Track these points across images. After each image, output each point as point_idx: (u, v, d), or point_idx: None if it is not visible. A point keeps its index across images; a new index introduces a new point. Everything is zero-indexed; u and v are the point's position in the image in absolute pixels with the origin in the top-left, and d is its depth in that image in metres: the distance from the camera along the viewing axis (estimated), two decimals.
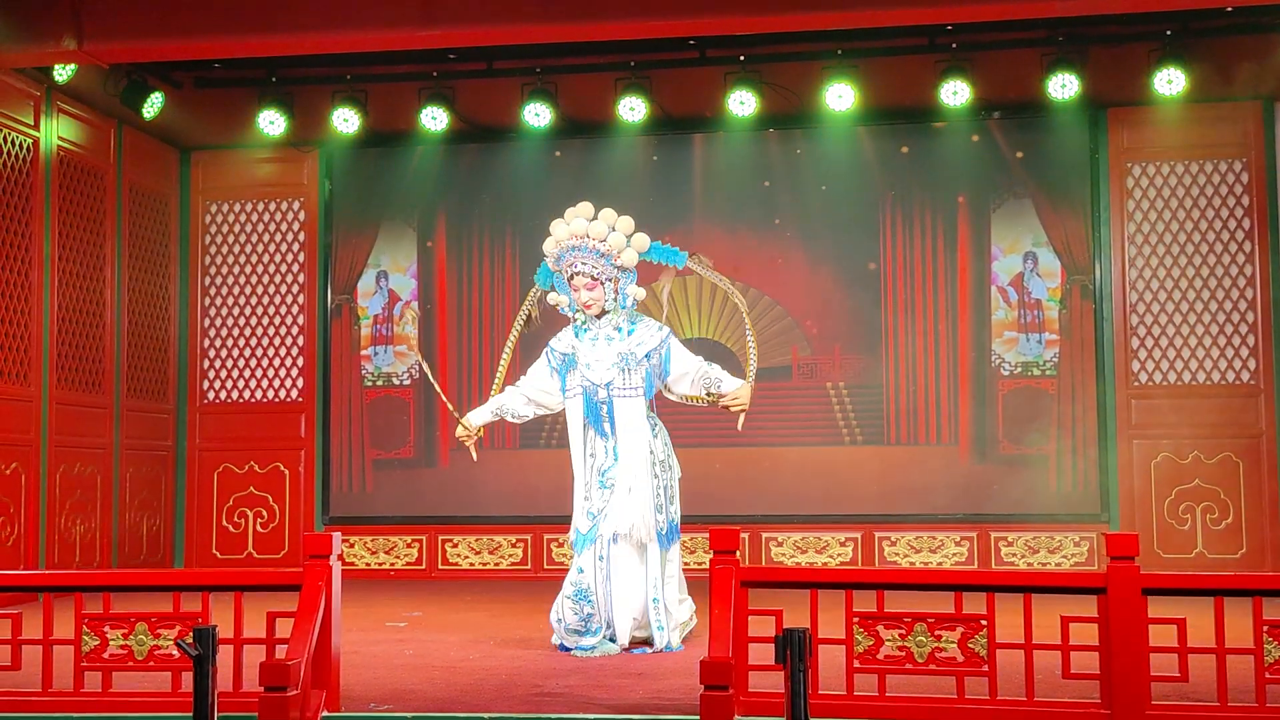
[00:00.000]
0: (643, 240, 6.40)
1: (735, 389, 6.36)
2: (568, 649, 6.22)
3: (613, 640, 6.22)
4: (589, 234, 6.27)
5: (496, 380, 6.76)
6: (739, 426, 6.54)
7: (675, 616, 6.35)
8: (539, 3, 7.66)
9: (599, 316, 6.37)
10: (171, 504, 10.62)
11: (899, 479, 10.05)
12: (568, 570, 6.37)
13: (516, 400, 6.63)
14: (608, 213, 6.36)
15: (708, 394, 6.39)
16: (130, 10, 7.94)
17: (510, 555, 10.36)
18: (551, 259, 6.41)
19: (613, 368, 6.31)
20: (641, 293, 6.43)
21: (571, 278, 6.33)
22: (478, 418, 6.66)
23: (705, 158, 10.47)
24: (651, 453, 6.31)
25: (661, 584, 6.27)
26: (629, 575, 6.21)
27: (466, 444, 6.67)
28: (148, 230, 10.39)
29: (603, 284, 6.31)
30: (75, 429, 9.33)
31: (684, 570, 6.58)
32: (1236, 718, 4.37)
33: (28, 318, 8.86)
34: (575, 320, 6.46)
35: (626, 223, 6.34)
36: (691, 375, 6.39)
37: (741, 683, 4.57)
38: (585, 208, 6.36)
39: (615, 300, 6.35)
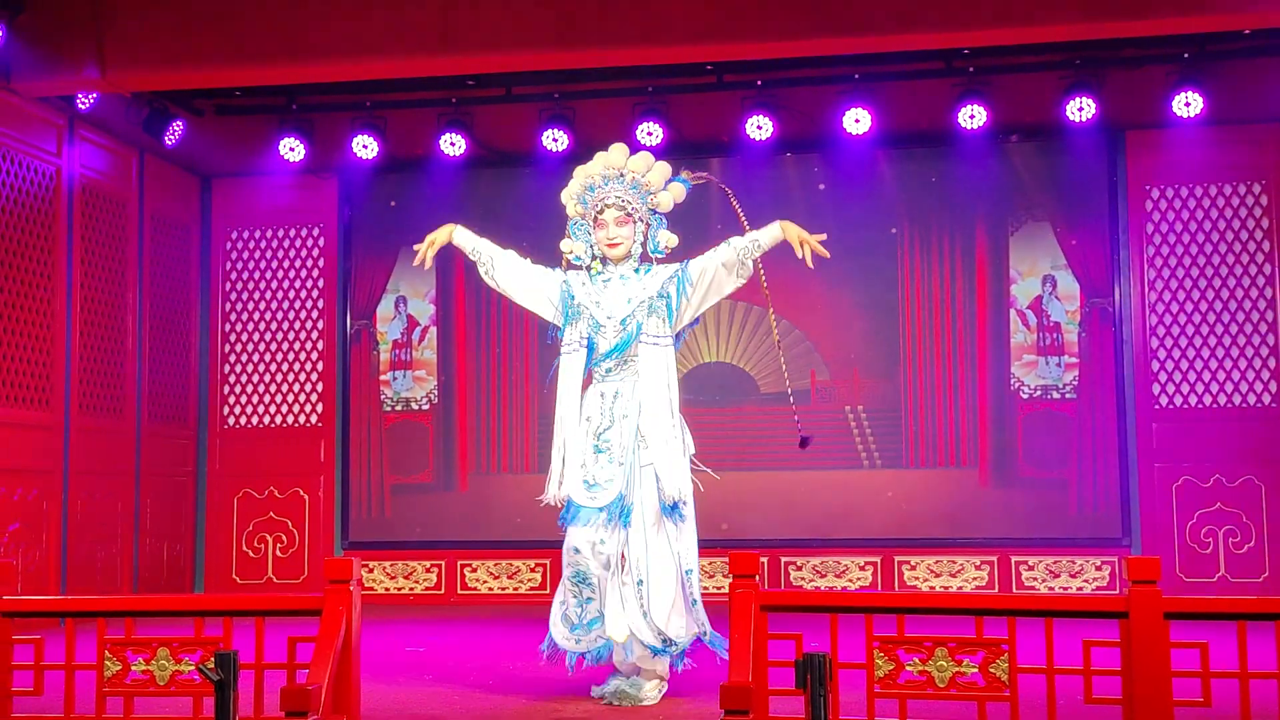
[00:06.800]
0: (679, 189, 5.86)
1: (774, 233, 5.70)
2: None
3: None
4: (628, 166, 5.72)
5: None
6: (810, 262, 5.73)
7: None
8: (557, 29, 7.71)
9: (620, 261, 5.74)
10: (191, 529, 10.64)
11: (918, 502, 10.03)
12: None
13: (509, 259, 5.91)
14: (646, 154, 5.84)
15: (748, 264, 5.71)
16: (152, 39, 8.03)
17: (529, 580, 10.35)
18: (576, 194, 5.81)
19: (629, 310, 5.66)
20: (674, 239, 5.81)
21: (601, 212, 5.71)
22: (465, 238, 5.95)
23: (723, 182, 10.42)
24: (672, 415, 5.60)
25: None
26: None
27: (428, 250, 5.94)
28: (169, 257, 10.45)
29: (634, 222, 5.72)
30: (96, 454, 9.36)
31: (704, 595, 5.85)
32: None
33: (50, 344, 8.91)
34: (590, 268, 5.82)
35: (664, 167, 5.81)
36: (715, 264, 5.69)
37: (762, 707, 4.56)
38: (621, 145, 5.83)
39: (644, 245, 5.75)
